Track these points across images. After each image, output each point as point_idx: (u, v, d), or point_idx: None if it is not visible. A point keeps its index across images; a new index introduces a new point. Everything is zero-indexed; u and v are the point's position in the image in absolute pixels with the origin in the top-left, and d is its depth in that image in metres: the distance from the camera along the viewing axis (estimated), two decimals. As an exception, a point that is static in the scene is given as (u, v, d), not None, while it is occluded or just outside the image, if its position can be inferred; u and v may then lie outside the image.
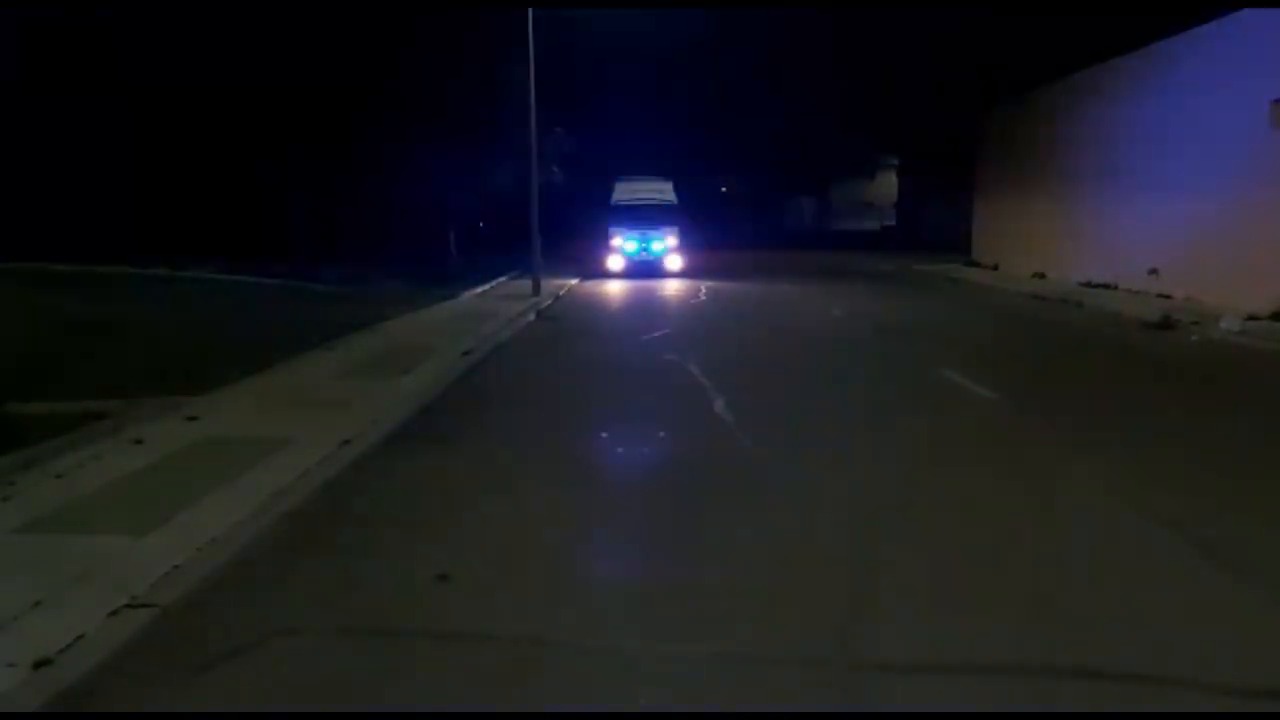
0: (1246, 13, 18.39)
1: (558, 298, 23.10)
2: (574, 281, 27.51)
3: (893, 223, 58.36)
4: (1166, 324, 16.74)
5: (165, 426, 8.67)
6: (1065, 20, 30.08)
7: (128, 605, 4.87)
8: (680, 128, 48.64)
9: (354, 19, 26.02)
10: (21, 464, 7.24)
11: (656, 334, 16.51)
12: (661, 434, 9.29)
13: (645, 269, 29.60)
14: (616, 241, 29.94)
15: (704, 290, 25.08)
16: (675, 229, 30.06)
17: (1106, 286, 23.07)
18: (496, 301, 21.63)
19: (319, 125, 27.03)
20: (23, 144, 25.21)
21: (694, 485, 7.47)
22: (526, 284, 23.60)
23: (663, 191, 31.39)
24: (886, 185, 61.91)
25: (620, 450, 8.84)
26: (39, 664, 4.22)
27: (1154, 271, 21.36)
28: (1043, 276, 27.14)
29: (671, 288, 26.11)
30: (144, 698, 4.13)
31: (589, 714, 3.95)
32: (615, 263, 29.88)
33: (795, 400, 11.00)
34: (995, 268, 31.33)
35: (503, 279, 26.67)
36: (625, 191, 31.19)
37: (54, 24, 25.29)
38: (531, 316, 19.22)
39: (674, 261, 29.79)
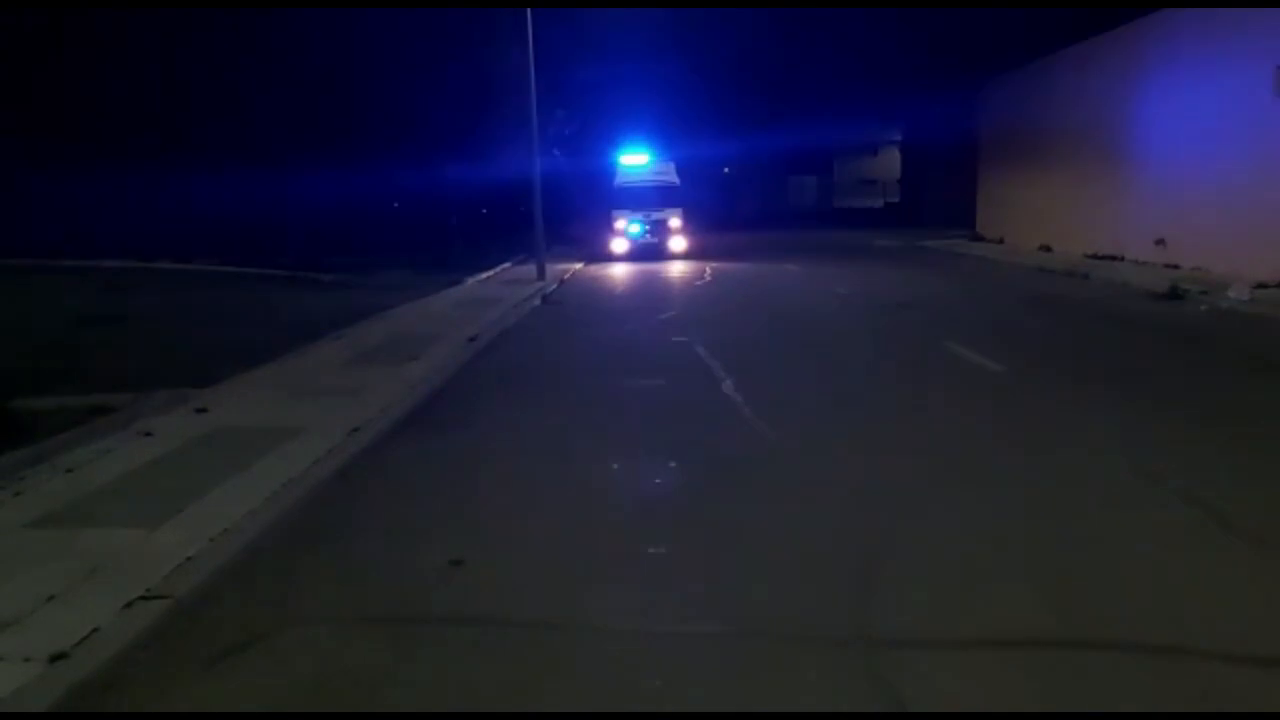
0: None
1: (562, 282, 23.04)
2: (578, 265, 27.44)
3: (896, 199, 58.11)
4: (1174, 294, 16.66)
5: (175, 419, 8.67)
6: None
7: (142, 598, 4.87)
8: (682, 109, 48.38)
9: (351, 7, 25.93)
10: (32, 459, 7.24)
11: (663, 316, 16.47)
12: (671, 416, 9.26)
13: (649, 251, 29.49)
14: (620, 224, 29.83)
15: (709, 271, 25.01)
16: (679, 210, 29.94)
17: (1113, 258, 22.97)
18: (501, 287, 21.59)
19: (317, 117, 26.97)
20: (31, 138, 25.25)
21: (705, 465, 7.46)
22: (530, 269, 23.55)
23: (665, 173, 31.26)
24: (889, 162, 61.60)
25: (630, 432, 8.80)
26: (55, 658, 4.22)
27: (1160, 242, 21.25)
28: (1049, 249, 27.02)
29: (676, 269, 26.03)
30: (160, 690, 4.13)
31: (589, 714, 3.92)
32: (619, 245, 29.77)
33: (803, 379, 10.98)
34: (1000, 241, 31.22)
35: (506, 264, 26.62)
36: (627, 174, 31.06)
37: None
38: (537, 301, 19.18)
39: (678, 243, 29.68)
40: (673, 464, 7.59)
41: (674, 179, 31.15)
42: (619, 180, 30.87)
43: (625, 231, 29.79)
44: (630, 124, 39.11)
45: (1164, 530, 5.73)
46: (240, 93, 26.49)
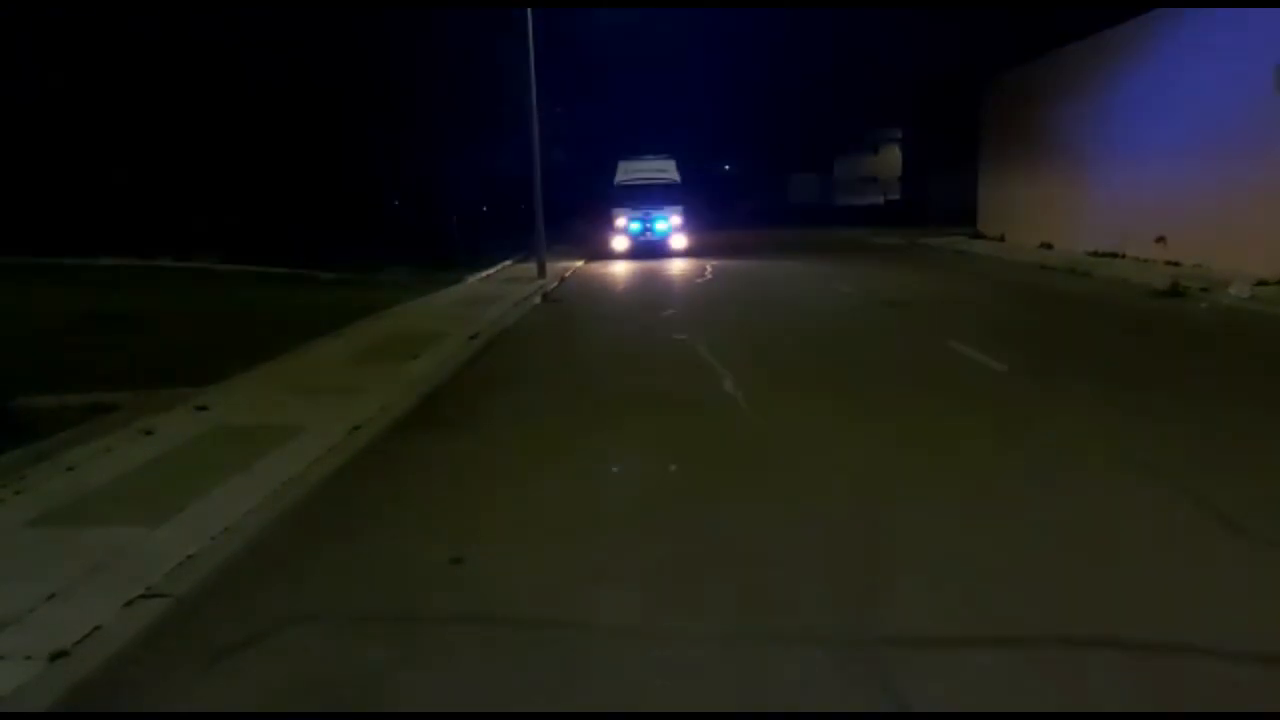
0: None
1: (563, 280, 23.04)
2: (579, 263, 27.43)
3: (897, 197, 58.07)
4: (1175, 291, 16.65)
5: (175, 417, 8.67)
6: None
7: (143, 596, 4.87)
8: (682, 107, 48.39)
9: (350, 6, 25.89)
10: (33, 457, 7.24)
11: (663, 314, 16.47)
12: (671, 415, 9.25)
13: (650, 249, 29.51)
14: (620, 222, 29.85)
15: (709, 269, 25.00)
16: (679, 208, 29.95)
17: (1114, 255, 22.96)
18: (502, 285, 21.59)
19: (316, 114, 26.94)
20: (23, 137, 25.22)
21: (705, 464, 7.45)
22: (531, 267, 23.55)
23: (665, 171, 31.25)
24: (890, 159, 61.58)
25: (631, 430, 8.79)
26: (56, 656, 4.21)
27: (1161, 239, 21.24)
28: (1050, 247, 27.02)
29: (677, 267, 26.03)
30: (160, 688, 4.13)
31: (589, 714, 3.91)
32: (620, 243, 29.79)
33: (803, 376, 10.97)
34: (1001, 239, 31.20)
35: (507, 262, 26.62)
36: (628, 172, 31.05)
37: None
38: (538, 299, 19.18)
39: (678, 241, 29.70)
40: (673, 465, 7.57)
41: (675, 177, 31.14)
42: (620, 178, 30.87)
43: (626, 229, 29.80)
44: (632, 122, 39.13)
45: (1165, 527, 5.72)
46: (239, 88, 26.45)
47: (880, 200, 60.44)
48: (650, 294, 20.56)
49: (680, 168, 31.80)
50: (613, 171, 31.42)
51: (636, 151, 32.46)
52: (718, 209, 47.23)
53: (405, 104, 26.42)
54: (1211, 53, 19.60)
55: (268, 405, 9.26)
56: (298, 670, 4.27)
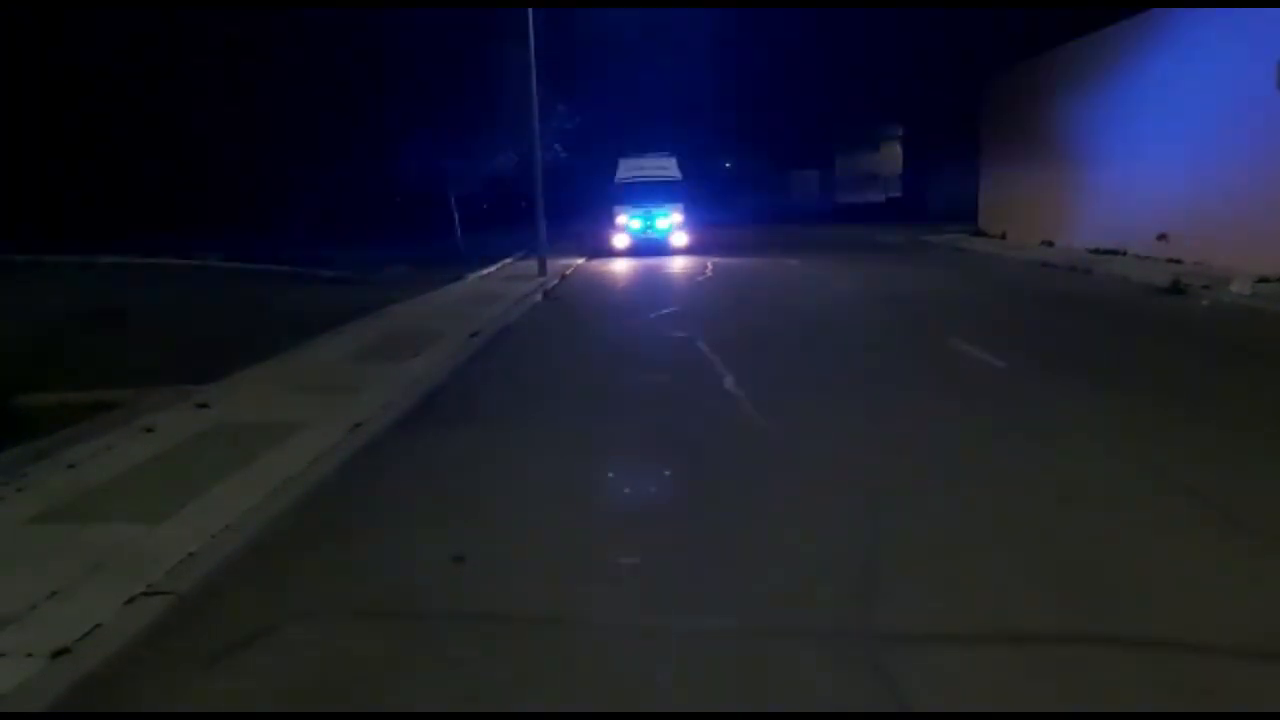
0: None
1: (564, 277, 23.03)
2: (580, 261, 27.41)
3: (898, 194, 58.02)
4: (1177, 289, 16.63)
5: (176, 415, 8.67)
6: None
7: (144, 593, 4.88)
8: (683, 104, 48.33)
9: (350, 6, 25.87)
10: (33, 455, 7.25)
11: (664, 312, 16.45)
12: (672, 413, 9.25)
13: (651, 247, 29.49)
14: (621, 220, 29.82)
15: (710, 267, 24.97)
16: (680, 206, 29.91)
17: (1115, 253, 22.92)
18: (502, 283, 21.56)
19: (317, 113, 26.92)
20: (23, 137, 25.22)
21: (705, 464, 7.44)
22: (532, 264, 23.52)
23: (666, 168, 31.20)
24: (891, 156, 61.53)
25: (631, 429, 8.79)
26: (57, 653, 4.22)
27: (1163, 237, 21.21)
28: (1051, 244, 26.99)
29: (677, 265, 26.00)
30: (162, 686, 4.14)
31: (589, 714, 3.91)
32: (620, 241, 29.77)
33: (804, 375, 10.96)
34: (1003, 236, 31.16)
35: (508, 260, 26.59)
36: (629, 169, 31.00)
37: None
38: (538, 297, 19.16)
39: (679, 239, 29.67)
40: (674, 461, 7.56)
41: (675, 174, 31.10)
42: (620, 175, 30.84)
43: (627, 227, 29.78)
44: (633, 119, 39.09)
45: (1167, 525, 5.72)
46: (242, 86, 26.44)
47: (881, 198, 60.39)
48: (651, 292, 20.54)
49: (681, 165, 31.77)
50: (613, 169, 31.40)
51: (637, 149, 32.43)
52: (719, 206, 47.20)
53: (406, 102, 26.38)
54: (1212, 50, 19.57)
55: (269, 403, 9.26)
56: (299, 669, 4.28)
